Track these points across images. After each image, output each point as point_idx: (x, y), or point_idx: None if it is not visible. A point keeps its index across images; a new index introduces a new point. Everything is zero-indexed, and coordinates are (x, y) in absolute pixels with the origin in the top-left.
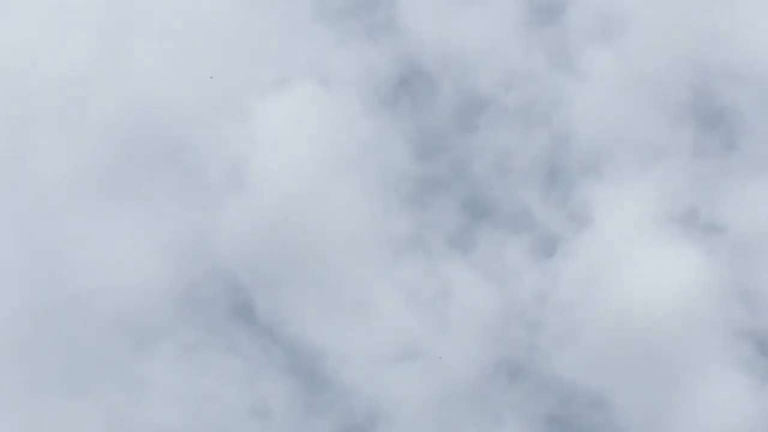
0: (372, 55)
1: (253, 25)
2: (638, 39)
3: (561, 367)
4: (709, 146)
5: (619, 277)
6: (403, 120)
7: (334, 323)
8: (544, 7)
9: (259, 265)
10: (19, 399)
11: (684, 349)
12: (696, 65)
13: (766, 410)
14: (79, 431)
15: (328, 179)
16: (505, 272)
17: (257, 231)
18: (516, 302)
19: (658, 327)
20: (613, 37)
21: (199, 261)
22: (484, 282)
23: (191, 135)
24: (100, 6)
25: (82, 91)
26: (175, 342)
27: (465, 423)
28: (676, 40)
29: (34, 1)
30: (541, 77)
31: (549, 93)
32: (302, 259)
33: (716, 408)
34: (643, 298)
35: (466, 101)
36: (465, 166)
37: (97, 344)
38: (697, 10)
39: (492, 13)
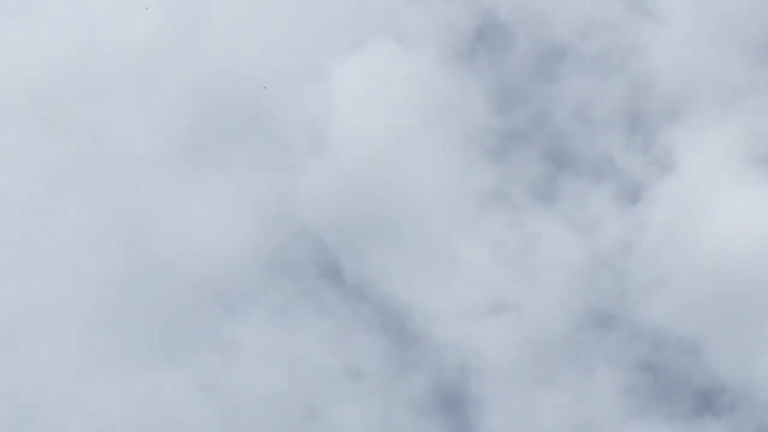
0: (447, 10)
1: None
2: None
3: (650, 313)
4: None
5: (705, 220)
6: (481, 73)
7: (421, 280)
8: None
9: (344, 225)
10: (113, 366)
11: None
12: None
13: None
14: (173, 396)
15: (409, 137)
16: (589, 221)
17: (341, 191)
18: (602, 251)
19: (746, 269)
20: None
21: (285, 224)
22: (569, 232)
23: (271, 99)
24: None
25: (161, 60)
26: (264, 305)
27: (556, 373)
28: None
29: None
30: (619, 23)
31: (627, 39)
32: (387, 218)
33: None
34: (731, 241)
35: (544, 51)
36: (545, 116)
37: (189, 310)
38: None
39: None
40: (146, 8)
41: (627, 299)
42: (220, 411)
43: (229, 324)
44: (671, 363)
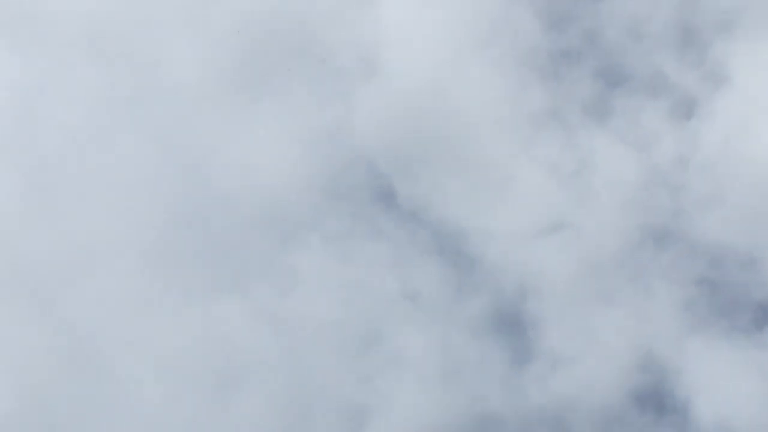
0: None
1: None
2: None
3: (707, 229)
4: None
5: (760, 133)
6: None
7: (476, 202)
8: None
9: (398, 150)
10: (171, 298)
11: None
12: None
13: None
14: (233, 326)
15: (461, 59)
16: (644, 138)
17: (394, 116)
18: (657, 167)
19: None
20: None
21: (339, 151)
22: (624, 149)
23: (321, 25)
24: None
25: None
26: (321, 233)
27: (614, 291)
28: None
29: None
30: None
31: None
32: (440, 141)
33: None
34: None
35: None
36: (596, 34)
37: (246, 240)
38: None
39: None
40: None
41: (684, 215)
42: (280, 339)
43: (287, 252)
44: (729, 277)
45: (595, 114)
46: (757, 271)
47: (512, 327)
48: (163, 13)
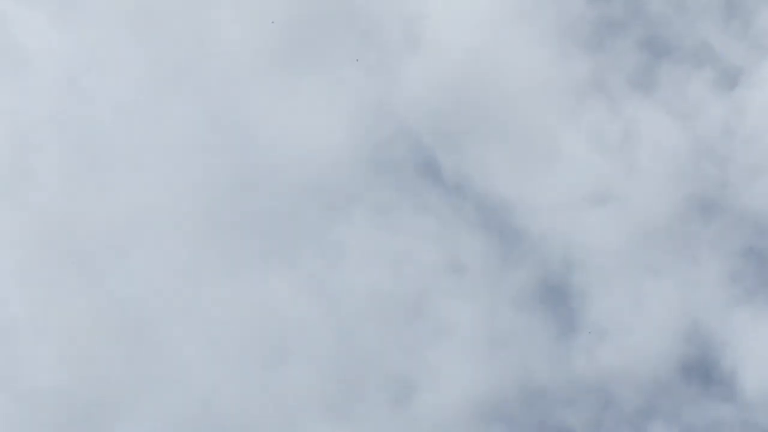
0: None
1: None
2: None
3: (754, 198)
4: None
5: None
6: None
7: (521, 173)
8: None
9: (443, 122)
10: (219, 271)
11: None
12: None
13: None
14: (281, 298)
15: (505, 30)
16: (689, 108)
17: (437, 88)
18: (703, 137)
19: None
20: None
21: (384, 123)
22: (669, 120)
23: None
24: None
25: None
26: (367, 205)
27: (661, 263)
28: None
29: None
30: None
31: None
32: (484, 112)
33: None
34: None
35: None
36: (641, 3)
37: (292, 213)
38: None
39: None
40: None
41: (730, 185)
42: (327, 310)
43: (334, 225)
44: None
45: (640, 84)
46: None
47: (557, 299)
48: None
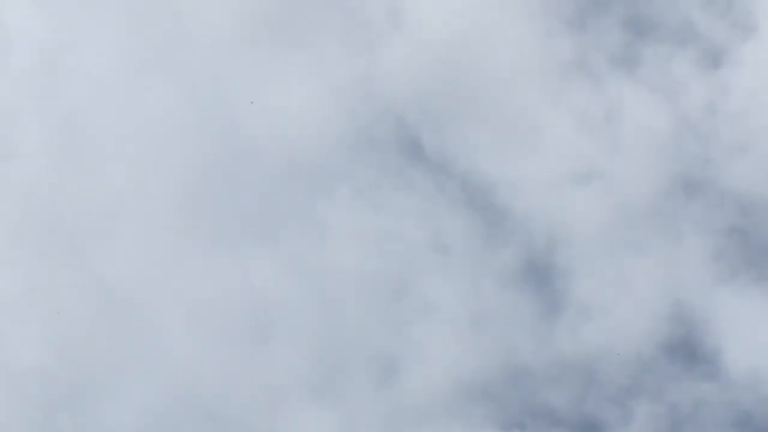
0: None
1: None
2: None
3: (737, 177)
4: None
5: None
6: None
7: (504, 152)
8: None
9: (426, 100)
10: (202, 249)
11: None
12: None
13: None
14: (264, 278)
15: (488, 9)
16: (672, 87)
17: (421, 67)
18: (686, 116)
19: None
20: None
21: (367, 102)
22: (653, 98)
23: None
24: None
25: None
26: (350, 184)
27: (645, 241)
28: None
29: None
30: None
31: None
32: (468, 91)
33: None
34: None
35: None
36: None
37: (275, 191)
38: None
39: None
40: None
41: (713, 164)
42: (310, 289)
43: (316, 204)
44: (760, 227)
45: (623, 63)
46: None
47: (542, 277)
48: None
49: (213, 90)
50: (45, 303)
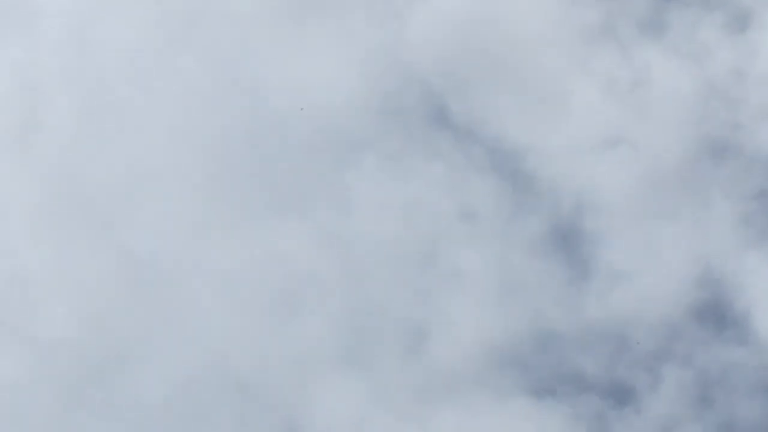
0: None
1: None
2: None
3: (766, 141)
4: None
5: None
6: None
7: (532, 119)
8: None
9: (452, 68)
10: (229, 221)
11: None
12: None
13: None
14: (291, 247)
15: None
16: (700, 51)
17: (447, 34)
18: (714, 80)
19: None
20: None
21: (393, 70)
22: (680, 63)
23: None
24: None
25: None
26: (377, 153)
27: (673, 206)
28: None
29: None
30: None
31: None
32: (494, 58)
33: None
34: None
35: None
36: None
37: (302, 162)
38: None
39: None
40: None
41: (741, 128)
42: (338, 259)
43: (343, 173)
44: None
45: (649, 28)
46: None
47: (570, 243)
48: None
49: (239, 60)
50: (73, 275)
